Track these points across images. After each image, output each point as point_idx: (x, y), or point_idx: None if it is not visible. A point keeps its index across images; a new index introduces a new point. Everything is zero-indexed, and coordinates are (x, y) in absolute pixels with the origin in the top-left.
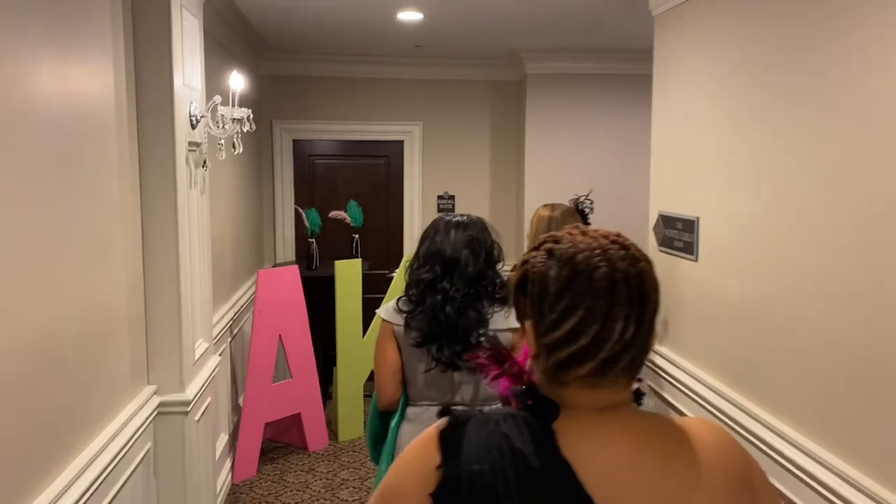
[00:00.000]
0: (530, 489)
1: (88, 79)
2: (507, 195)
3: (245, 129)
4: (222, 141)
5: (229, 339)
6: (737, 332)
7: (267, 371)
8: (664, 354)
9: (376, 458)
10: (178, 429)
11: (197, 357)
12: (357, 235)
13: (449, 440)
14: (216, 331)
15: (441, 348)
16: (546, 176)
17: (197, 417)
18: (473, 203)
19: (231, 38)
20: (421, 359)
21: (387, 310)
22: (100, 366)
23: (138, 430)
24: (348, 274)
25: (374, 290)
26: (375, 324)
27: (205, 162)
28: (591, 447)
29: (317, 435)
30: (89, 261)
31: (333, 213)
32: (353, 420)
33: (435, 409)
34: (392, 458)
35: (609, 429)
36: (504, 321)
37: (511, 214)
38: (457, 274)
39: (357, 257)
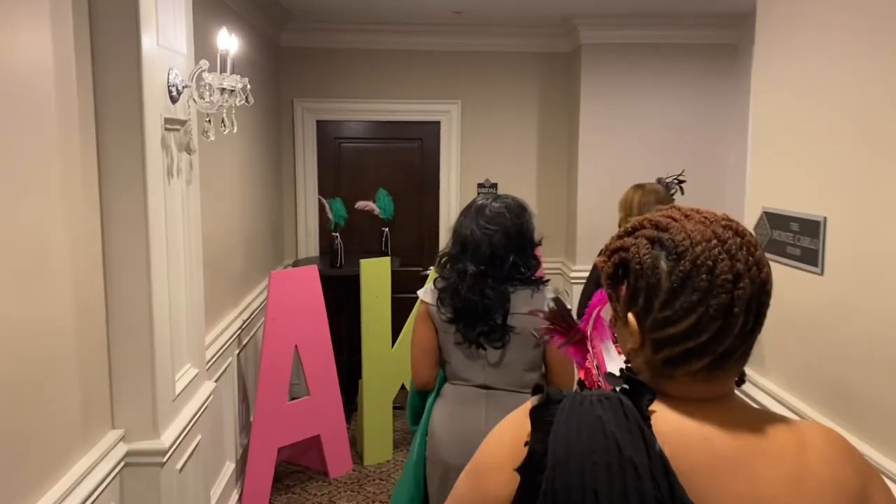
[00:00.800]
0: (620, 476)
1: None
2: (558, 182)
3: (239, 103)
4: (210, 118)
5: (237, 351)
6: (890, 374)
7: (280, 387)
8: (773, 393)
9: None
10: (153, 482)
11: (180, 390)
12: (387, 228)
13: (539, 417)
14: (220, 343)
15: (468, 327)
16: (603, 161)
17: (179, 466)
18: (518, 191)
19: (245, 4)
20: (454, 337)
21: (424, 290)
22: (32, 415)
23: (97, 488)
24: (375, 274)
25: (405, 290)
26: (416, 306)
27: (188, 145)
28: (686, 438)
29: (339, 459)
30: (6, 277)
31: (360, 204)
32: (380, 440)
33: (468, 390)
34: (425, 434)
35: (706, 420)
36: (526, 303)
37: (562, 204)
38: (470, 253)
39: (387, 253)
